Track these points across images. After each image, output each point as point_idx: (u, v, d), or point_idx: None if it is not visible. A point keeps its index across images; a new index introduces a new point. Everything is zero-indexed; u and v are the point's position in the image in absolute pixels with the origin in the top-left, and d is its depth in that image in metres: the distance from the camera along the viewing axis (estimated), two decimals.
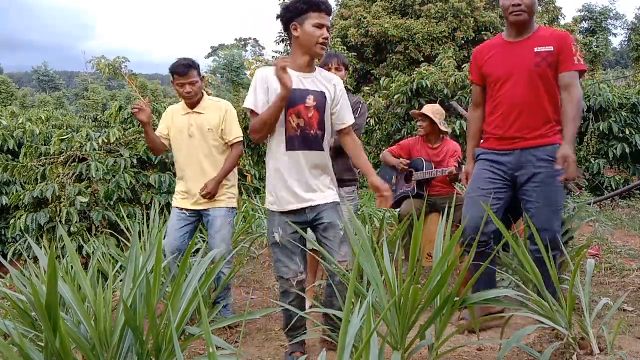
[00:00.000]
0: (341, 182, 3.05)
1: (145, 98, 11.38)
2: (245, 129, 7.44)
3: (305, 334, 2.35)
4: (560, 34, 2.39)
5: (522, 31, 2.42)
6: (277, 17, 2.27)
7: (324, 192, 2.28)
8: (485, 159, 2.53)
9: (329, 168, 2.34)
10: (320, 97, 2.23)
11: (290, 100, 2.16)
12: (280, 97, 2.09)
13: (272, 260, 2.28)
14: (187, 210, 3.00)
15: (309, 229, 2.34)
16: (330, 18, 2.20)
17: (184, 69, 2.91)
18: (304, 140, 2.20)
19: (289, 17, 2.17)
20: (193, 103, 2.99)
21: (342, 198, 3.05)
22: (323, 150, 2.28)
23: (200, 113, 2.99)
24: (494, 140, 2.51)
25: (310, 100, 2.20)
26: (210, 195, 2.91)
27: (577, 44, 2.37)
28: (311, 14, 2.12)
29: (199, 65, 3.01)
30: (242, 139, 3.03)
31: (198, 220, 3.07)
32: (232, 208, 3.05)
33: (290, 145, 2.19)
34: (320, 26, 2.13)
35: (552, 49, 2.34)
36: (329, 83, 2.29)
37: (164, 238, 3.00)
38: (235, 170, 3.13)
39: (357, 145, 2.42)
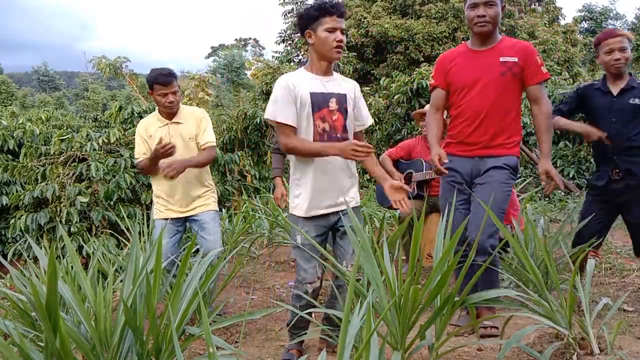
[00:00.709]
0: None
1: (145, 98, 11.38)
2: (244, 128, 7.39)
3: (305, 333, 2.35)
4: (524, 45, 2.46)
5: (486, 41, 2.47)
6: (294, 26, 2.26)
7: (348, 197, 2.27)
8: (448, 167, 2.54)
9: (354, 171, 2.33)
10: (342, 99, 2.23)
11: (315, 104, 2.17)
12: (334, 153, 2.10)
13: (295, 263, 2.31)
14: (172, 219, 2.96)
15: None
16: (344, 20, 2.18)
17: (166, 78, 2.84)
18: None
19: (303, 25, 2.18)
20: (172, 113, 2.94)
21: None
22: None
23: (180, 123, 2.94)
24: (454, 145, 2.56)
25: (333, 103, 2.20)
26: (173, 172, 2.67)
27: (539, 55, 2.45)
28: (323, 19, 2.12)
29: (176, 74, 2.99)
30: (214, 144, 2.96)
31: (184, 228, 3.05)
32: (217, 210, 3.06)
33: None
34: (332, 30, 2.12)
35: (517, 60, 2.39)
36: (349, 85, 2.31)
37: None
38: (210, 177, 3.09)
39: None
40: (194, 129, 2.94)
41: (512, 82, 2.41)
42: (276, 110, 2.16)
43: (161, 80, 2.85)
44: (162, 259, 2.80)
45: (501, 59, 2.41)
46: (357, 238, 2.20)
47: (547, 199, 6.72)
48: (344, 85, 2.29)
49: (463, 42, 2.67)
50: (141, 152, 2.94)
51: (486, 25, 2.40)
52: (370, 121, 2.39)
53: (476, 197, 2.41)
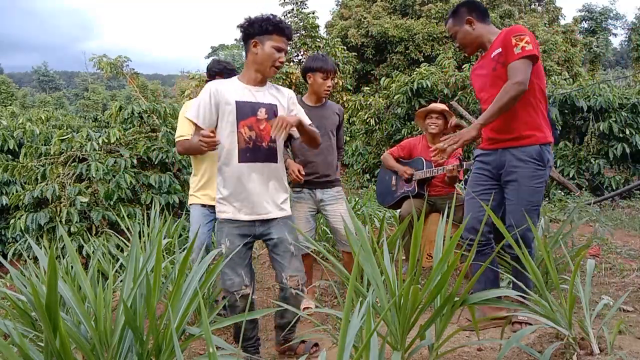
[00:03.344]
0: (328, 183, 3.14)
1: (145, 98, 11.37)
2: None
3: (259, 345, 2.42)
4: (505, 31, 2.43)
5: (482, 50, 2.60)
6: (238, 26, 2.29)
7: (277, 206, 2.29)
8: (477, 160, 2.65)
9: (284, 181, 2.36)
10: (272, 109, 2.26)
11: (242, 112, 2.20)
12: (198, 148, 2.11)
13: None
14: (208, 206, 3.08)
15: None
16: (289, 43, 2.26)
17: (231, 74, 2.91)
18: (256, 152, 2.22)
19: (251, 32, 2.21)
20: None
21: (333, 198, 3.16)
22: (277, 162, 2.29)
23: None
24: (483, 140, 2.65)
25: (262, 113, 2.23)
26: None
27: (520, 34, 2.34)
28: (274, 36, 2.18)
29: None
30: None
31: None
32: None
33: (243, 158, 2.21)
34: (279, 49, 2.19)
35: (500, 50, 2.41)
36: (281, 95, 2.33)
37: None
38: None
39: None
40: None
41: (503, 73, 2.39)
42: (193, 111, 2.22)
43: (227, 75, 2.91)
44: (197, 244, 2.90)
45: (491, 55, 2.47)
46: (290, 245, 2.27)
47: (547, 199, 6.72)
48: (277, 95, 2.32)
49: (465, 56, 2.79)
50: (185, 131, 3.03)
51: (464, 49, 2.63)
52: (307, 124, 2.38)
53: (507, 195, 2.47)
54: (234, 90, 2.23)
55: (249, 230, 2.27)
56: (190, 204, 3.15)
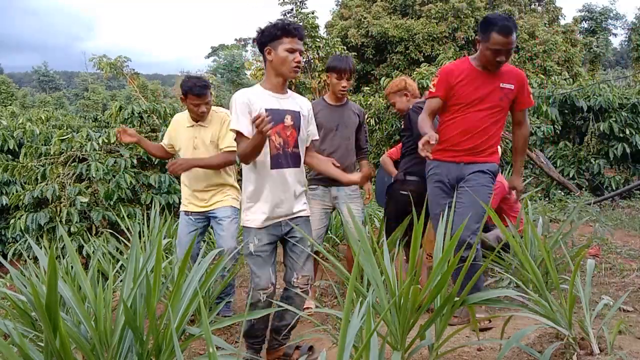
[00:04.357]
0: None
1: (145, 98, 11.37)
2: None
3: (261, 345, 2.42)
4: (519, 72, 2.67)
5: (484, 66, 2.63)
6: (253, 41, 2.35)
7: (301, 207, 2.39)
8: (434, 173, 2.73)
9: (304, 185, 2.44)
10: (297, 116, 2.33)
11: (271, 119, 2.20)
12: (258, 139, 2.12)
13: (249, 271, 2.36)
14: (193, 213, 3.09)
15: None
16: (302, 43, 2.30)
17: (201, 90, 2.93)
18: (285, 158, 2.29)
19: (263, 42, 2.26)
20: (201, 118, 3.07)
21: (347, 197, 3.16)
22: (300, 167, 2.38)
23: (204, 126, 3.06)
24: (443, 151, 2.70)
25: (288, 120, 2.29)
26: (178, 168, 2.89)
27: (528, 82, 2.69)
28: (284, 39, 2.22)
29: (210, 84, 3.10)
30: (233, 148, 2.95)
31: (206, 224, 3.15)
32: (235, 207, 3.12)
33: (275, 164, 2.26)
34: (292, 50, 2.23)
35: (513, 87, 2.61)
36: (302, 103, 2.41)
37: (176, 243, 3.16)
38: (234, 175, 3.20)
39: (321, 157, 2.55)
40: (217, 131, 3.04)
41: (506, 105, 2.64)
42: (240, 122, 2.23)
43: (196, 91, 2.94)
44: (181, 254, 2.86)
45: (501, 85, 2.59)
46: (308, 247, 2.34)
47: (547, 199, 6.72)
48: (299, 102, 2.39)
49: (465, 56, 2.90)
50: (164, 142, 3.24)
51: (502, 62, 2.55)
52: (317, 136, 2.54)
53: (460, 199, 2.57)
54: (261, 98, 2.28)
55: (276, 230, 2.33)
56: None
